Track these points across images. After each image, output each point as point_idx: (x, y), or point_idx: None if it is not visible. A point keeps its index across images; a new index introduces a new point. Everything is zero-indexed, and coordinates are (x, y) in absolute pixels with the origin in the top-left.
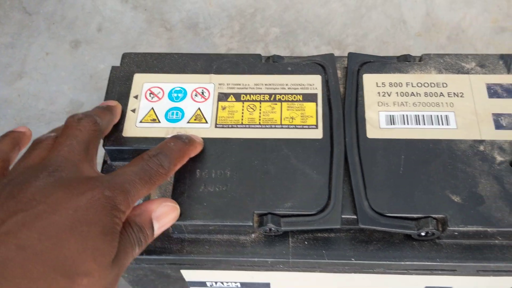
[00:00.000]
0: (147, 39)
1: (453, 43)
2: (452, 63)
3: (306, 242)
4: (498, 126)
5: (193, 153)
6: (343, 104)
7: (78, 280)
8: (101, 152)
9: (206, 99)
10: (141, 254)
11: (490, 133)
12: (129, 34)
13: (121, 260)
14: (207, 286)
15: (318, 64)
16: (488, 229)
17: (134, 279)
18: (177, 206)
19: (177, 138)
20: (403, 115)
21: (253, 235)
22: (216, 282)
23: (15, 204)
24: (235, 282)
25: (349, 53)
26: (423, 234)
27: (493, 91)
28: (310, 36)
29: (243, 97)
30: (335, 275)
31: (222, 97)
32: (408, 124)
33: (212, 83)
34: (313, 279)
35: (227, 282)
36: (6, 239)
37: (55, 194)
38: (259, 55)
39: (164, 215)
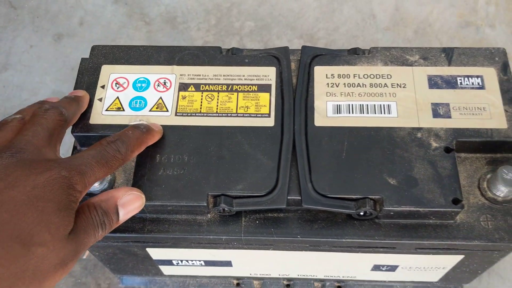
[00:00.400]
0: (127, 32)
1: (420, 37)
2: (397, 56)
3: (257, 221)
4: (436, 114)
5: (150, 141)
6: (294, 94)
7: (33, 249)
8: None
9: (167, 89)
10: None
11: (427, 121)
12: (110, 28)
13: (80, 237)
14: (173, 264)
15: (274, 57)
16: (420, 209)
17: (105, 258)
18: (143, 196)
19: (135, 127)
20: (349, 104)
21: (209, 215)
22: (181, 260)
23: None
24: (199, 260)
25: (303, 46)
26: (361, 213)
27: (434, 82)
28: (283, 30)
29: (203, 87)
30: (289, 253)
31: (183, 87)
32: (353, 113)
33: (174, 74)
34: (269, 257)
35: (191, 260)
36: None
37: (15, 173)
38: (219, 47)
39: (129, 202)
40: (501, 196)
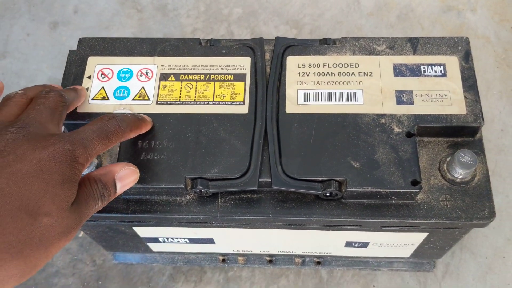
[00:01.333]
0: (119, 20)
1: (402, 22)
2: (365, 46)
3: (232, 202)
4: (399, 101)
5: (144, 129)
6: (267, 83)
7: (39, 218)
8: None
9: (149, 79)
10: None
11: (391, 108)
12: (103, 16)
13: (82, 208)
14: (159, 242)
15: (249, 47)
16: (381, 190)
17: (97, 236)
18: (137, 170)
19: (132, 114)
20: (318, 92)
21: (187, 196)
22: (167, 238)
23: None
24: (183, 238)
25: (276, 37)
26: (327, 194)
27: (399, 71)
28: (270, 16)
29: (182, 77)
30: (266, 231)
31: (164, 77)
32: (322, 100)
33: (155, 64)
34: (248, 235)
35: (176, 238)
36: None
37: (23, 146)
38: (198, 39)
39: (126, 176)
40: (459, 178)
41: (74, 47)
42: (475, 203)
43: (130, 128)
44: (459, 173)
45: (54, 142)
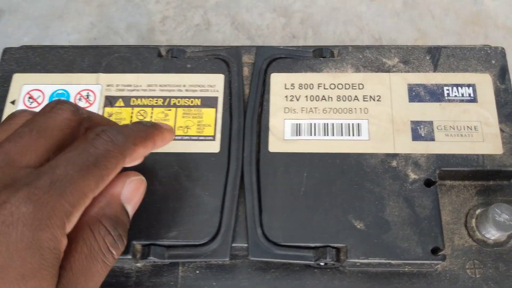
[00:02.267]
0: (75, 7)
1: (409, 9)
2: (372, 59)
3: (197, 271)
4: (416, 136)
5: (159, 139)
6: (246, 110)
7: None
8: None
9: (91, 104)
10: None
11: (405, 146)
12: (56, 1)
13: (80, 284)
14: None
15: (222, 60)
16: (392, 261)
17: None
18: (143, 178)
19: (138, 122)
20: (311, 124)
21: (138, 264)
22: None
23: None
24: None
25: (257, 47)
26: (322, 264)
27: (415, 94)
28: (254, 2)
29: (133, 101)
30: None
31: (109, 101)
32: (315, 134)
33: (100, 84)
34: None
35: None
36: None
37: None
38: (157, 48)
39: (134, 192)
40: (491, 238)
41: (22, 40)
42: None
43: (134, 141)
44: (493, 234)
45: (2, 202)
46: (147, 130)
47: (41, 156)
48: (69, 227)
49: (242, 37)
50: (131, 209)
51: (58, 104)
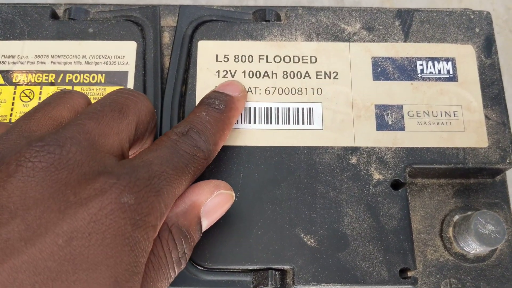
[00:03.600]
0: None
1: None
2: (327, 24)
3: None
4: (381, 125)
5: (234, 121)
6: (165, 88)
7: None
8: None
9: None
10: None
11: (368, 137)
12: None
13: None
14: None
15: (134, 23)
16: (350, 287)
17: None
18: (233, 193)
19: (207, 104)
20: (250, 108)
21: None
22: None
23: None
24: None
25: (181, 7)
26: None
27: (381, 70)
28: None
29: (16, 77)
30: None
31: None
32: (255, 122)
33: None
34: None
35: None
36: None
37: (43, 203)
38: (50, 7)
39: (217, 207)
40: (471, 252)
41: None
42: None
43: (215, 141)
44: (474, 248)
45: (102, 189)
46: (222, 117)
47: (123, 143)
48: (157, 231)
49: None
50: (206, 225)
51: (132, 91)
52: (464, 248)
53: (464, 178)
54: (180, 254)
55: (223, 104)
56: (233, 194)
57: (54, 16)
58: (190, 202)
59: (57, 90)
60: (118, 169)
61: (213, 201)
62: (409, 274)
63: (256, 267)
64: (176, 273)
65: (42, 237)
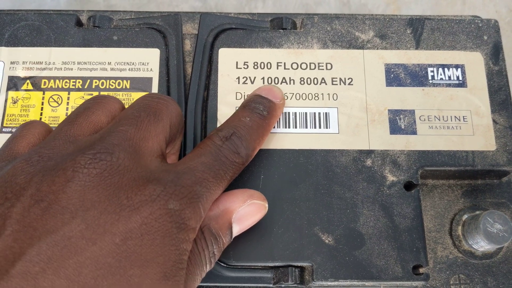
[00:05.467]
0: None
1: None
2: (342, 32)
3: None
4: (395, 129)
5: (272, 127)
6: (188, 94)
7: None
8: None
9: None
10: None
11: (382, 140)
12: None
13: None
14: None
15: (157, 31)
16: (367, 283)
17: None
18: (267, 204)
19: (251, 109)
20: None
21: None
22: None
23: (41, 217)
24: None
25: (202, 14)
26: (282, 287)
27: (394, 76)
28: None
29: (45, 83)
30: None
31: (14, 83)
32: (275, 126)
33: (2, 61)
34: None
35: None
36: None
37: (100, 205)
38: (75, 15)
39: (249, 216)
40: (480, 250)
41: None
42: (503, 286)
43: (254, 146)
44: (482, 246)
45: (151, 197)
46: (264, 124)
47: (162, 144)
48: (195, 234)
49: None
50: (237, 231)
51: (162, 95)
52: (473, 246)
53: (472, 179)
54: (210, 253)
55: (267, 111)
56: (266, 205)
57: (79, 23)
58: (224, 208)
59: (84, 96)
60: (164, 175)
61: (245, 209)
62: (422, 270)
63: (276, 264)
64: (206, 269)
65: (102, 236)
